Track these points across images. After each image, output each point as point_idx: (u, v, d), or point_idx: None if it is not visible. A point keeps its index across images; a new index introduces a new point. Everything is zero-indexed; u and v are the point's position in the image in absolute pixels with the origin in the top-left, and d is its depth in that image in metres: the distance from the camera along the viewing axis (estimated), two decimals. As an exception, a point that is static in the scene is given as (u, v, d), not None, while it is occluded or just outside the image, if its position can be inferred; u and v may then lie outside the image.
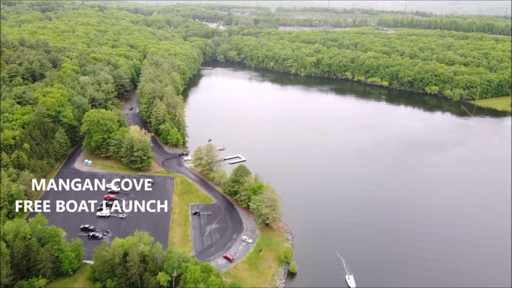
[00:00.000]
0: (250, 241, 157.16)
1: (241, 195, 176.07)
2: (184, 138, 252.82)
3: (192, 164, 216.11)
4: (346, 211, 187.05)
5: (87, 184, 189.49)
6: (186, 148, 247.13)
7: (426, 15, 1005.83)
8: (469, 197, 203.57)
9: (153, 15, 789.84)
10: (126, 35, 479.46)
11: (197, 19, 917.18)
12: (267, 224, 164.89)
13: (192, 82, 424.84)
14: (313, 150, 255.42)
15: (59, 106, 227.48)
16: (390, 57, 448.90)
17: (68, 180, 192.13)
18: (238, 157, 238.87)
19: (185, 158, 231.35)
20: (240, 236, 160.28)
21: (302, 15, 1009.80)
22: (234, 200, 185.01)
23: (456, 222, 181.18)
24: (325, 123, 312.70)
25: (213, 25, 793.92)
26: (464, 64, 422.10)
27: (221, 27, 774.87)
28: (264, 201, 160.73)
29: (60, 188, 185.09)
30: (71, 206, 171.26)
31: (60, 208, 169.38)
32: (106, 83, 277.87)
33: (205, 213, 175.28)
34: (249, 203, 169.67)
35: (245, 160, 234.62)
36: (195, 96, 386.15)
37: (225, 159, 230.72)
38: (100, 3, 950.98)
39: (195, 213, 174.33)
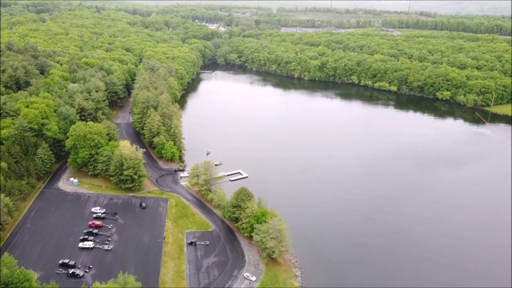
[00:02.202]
0: (253, 279, 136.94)
1: (243, 223, 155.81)
2: (180, 151, 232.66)
3: (188, 183, 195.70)
4: (358, 236, 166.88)
5: (71, 208, 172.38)
6: (183, 162, 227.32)
7: (431, 15, 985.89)
8: (492, 222, 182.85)
9: (151, 16, 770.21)
10: (122, 38, 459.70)
11: (196, 20, 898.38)
12: (272, 258, 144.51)
13: (190, 86, 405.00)
14: (319, 164, 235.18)
15: (43, 118, 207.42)
16: (398, 60, 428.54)
17: (50, 203, 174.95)
18: (239, 173, 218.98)
19: (181, 174, 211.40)
20: (242, 272, 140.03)
21: (304, 16, 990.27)
22: (235, 227, 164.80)
23: (481, 250, 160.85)
24: (331, 131, 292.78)
25: (213, 26, 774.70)
26: (477, 68, 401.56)
27: (221, 28, 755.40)
28: (269, 232, 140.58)
29: (40, 214, 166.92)
30: (50, 236, 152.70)
31: (38, 239, 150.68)
32: (97, 91, 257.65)
33: (202, 243, 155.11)
34: (252, 234, 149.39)
35: (246, 177, 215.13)
36: (193, 102, 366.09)
37: (225, 175, 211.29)
38: (98, 3, 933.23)
39: (191, 243, 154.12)
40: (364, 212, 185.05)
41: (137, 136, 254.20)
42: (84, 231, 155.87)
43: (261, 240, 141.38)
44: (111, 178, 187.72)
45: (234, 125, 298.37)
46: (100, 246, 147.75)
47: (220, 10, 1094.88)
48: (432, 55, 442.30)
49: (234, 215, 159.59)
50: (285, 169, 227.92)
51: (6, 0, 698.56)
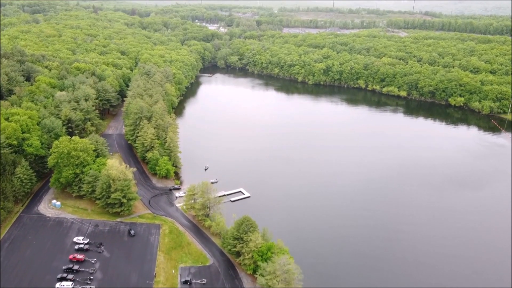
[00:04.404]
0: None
1: (245, 258, 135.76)
2: (176, 167, 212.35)
3: (184, 206, 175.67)
4: (376, 269, 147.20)
5: (51, 237, 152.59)
6: (179, 179, 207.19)
7: (436, 15, 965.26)
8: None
9: (150, 17, 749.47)
10: (117, 40, 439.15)
11: (196, 20, 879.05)
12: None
13: (189, 91, 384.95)
14: (327, 180, 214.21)
15: (23, 132, 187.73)
16: (407, 64, 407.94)
17: (27, 232, 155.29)
18: (240, 191, 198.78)
19: (177, 194, 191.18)
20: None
21: (306, 16, 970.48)
22: (236, 261, 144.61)
23: None
24: (337, 141, 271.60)
25: (213, 27, 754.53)
26: (491, 72, 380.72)
27: (222, 29, 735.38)
28: (276, 274, 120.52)
29: (14, 245, 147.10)
30: (24, 273, 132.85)
31: (9, 277, 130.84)
32: (86, 100, 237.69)
33: (199, 281, 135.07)
34: (256, 275, 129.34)
35: (248, 196, 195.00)
36: (192, 108, 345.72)
37: (225, 195, 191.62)
38: (96, 3, 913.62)
39: (186, 282, 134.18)
40: (379, 241, 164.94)
41: (130, 148, 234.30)
42: (63, 267, 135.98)
43: (266, 283, 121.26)
44: (97, 201, 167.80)
45: (234, 134, 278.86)
46: (80, 287, 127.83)
47: (221, 10, 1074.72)
48: (443, 58, 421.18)
49: (235, 248, 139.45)
50: (290, 185, 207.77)
51: (3, 0, 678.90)
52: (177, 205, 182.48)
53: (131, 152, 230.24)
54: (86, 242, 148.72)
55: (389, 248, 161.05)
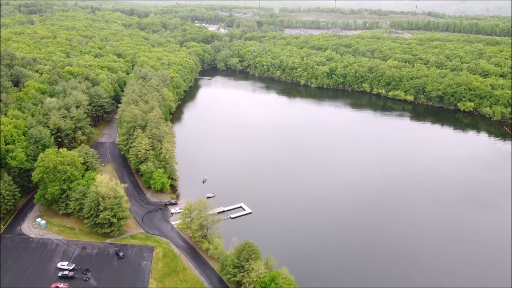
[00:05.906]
0: None
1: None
2: (172, 179, 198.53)
3: (181, 225, 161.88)
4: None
5: (33, 262, 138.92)
6: (175, 193, 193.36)
7: (438, 15, 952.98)
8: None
9: (149, 17, 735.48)
10: (114, 41, 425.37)
11: (196, 21, 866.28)
12: None
13: (188, 95, 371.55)
14: (331, 194, 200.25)
15: (7, 144, 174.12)
16: (413, 67, 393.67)
17: (7, 256, 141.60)
18: (241, 207, 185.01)
19: (172, 210, 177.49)
20: None
21: (307, 16, 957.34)
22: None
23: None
24: (342, 148, 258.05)
25: (213, 28, 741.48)
26: (501, 76, 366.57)
27: (222, 30, 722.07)
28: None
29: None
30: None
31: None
32: (78, 107, 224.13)
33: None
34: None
35: (250, 213, 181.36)
36: (190, 113, 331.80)
37: (225, 211, 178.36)
38: (94, 3, 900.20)
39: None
40: (390, 259, 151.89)
41: (124, 159, 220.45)
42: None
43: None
44: (85, 220, 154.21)
45: (234, 141, 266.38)
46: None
47: (221, 10, 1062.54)
48: (450, 61, 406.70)
49: (235, 278, 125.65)
50: (293, 198, 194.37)
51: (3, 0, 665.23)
52: (173, 223, 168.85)
53: (125, 163, 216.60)
54: (71, 268, 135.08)
55: (400, 266, 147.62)
